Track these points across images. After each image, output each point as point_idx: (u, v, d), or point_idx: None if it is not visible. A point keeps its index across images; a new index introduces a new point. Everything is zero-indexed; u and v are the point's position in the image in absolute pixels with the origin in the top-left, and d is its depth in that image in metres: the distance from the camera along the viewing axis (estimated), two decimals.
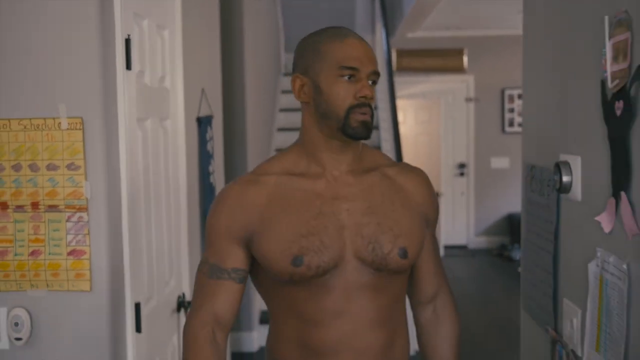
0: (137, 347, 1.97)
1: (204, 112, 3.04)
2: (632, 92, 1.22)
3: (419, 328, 1.68)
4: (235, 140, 4.75)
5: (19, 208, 1.83)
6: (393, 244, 1.45)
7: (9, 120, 1.82)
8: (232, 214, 1.47)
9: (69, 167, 1.83)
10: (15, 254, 1.84)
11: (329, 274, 1.42)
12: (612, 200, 1.32)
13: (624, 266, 1.27)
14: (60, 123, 1.82)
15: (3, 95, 1.82)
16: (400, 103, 8.34)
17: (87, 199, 1.83)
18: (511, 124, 8.53)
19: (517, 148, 7.73)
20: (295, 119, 6.58)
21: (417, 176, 1.59)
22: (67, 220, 1.83)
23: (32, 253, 1.84)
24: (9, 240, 1.84)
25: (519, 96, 8.13)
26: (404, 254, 1.46)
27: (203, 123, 2.99)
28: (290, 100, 6.99)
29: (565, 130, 1.61)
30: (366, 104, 1.43)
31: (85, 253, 1.84)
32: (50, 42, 1.82)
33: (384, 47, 6.74)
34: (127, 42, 1.92)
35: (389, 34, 7.05)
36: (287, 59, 7.95)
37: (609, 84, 1.31)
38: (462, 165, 8.78)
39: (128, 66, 1.92)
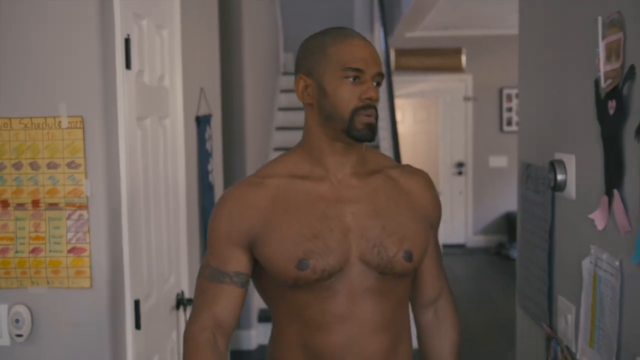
0: (137, 343, 1.99)
1: (202, 111, 3.06)
2: (625, 91, 1.24)
3: (419, 330, 1.66)
4: (234, 139, 4.76)
5: (20, 206, 1.85)
6: (398, 247, 1.43)
7: (9, 119, 1.83)
8: (235, 217, 1.45)
9: (69, 165, 1.84)
10: (16, 252, 1.85)
11: (333, 277, 1.40)
12: (605, 198, 1.34)
13: (617, 263, 1.29)
14: (60, 122, 1.84)
15: (4, 95, 1.84)
16: (398, 102, 8.35)
17: (87, 197, 1.85)
18: (509, 123, 8.55)
19: (515, 147, 7.72)
20: (294, 118, 6.60)
21: (421, 178, 1.57)
22: (68, 218, 1.85)
23: (33, 250, 1.85)
24: (10, 238, 1.86)
25: (517, 95, 8.14)
26: (409, 257, 1.44)
27: (202, 122, 3.00)
28: (288, 100, 7.01)
29: (560, 129, 1.63)
30: (371, 106, 1.41)
31: (85, 250, 1.85)
32: (51, 42, 1.84)
33: (383, 47, 6.76)
34: (127, 41, 1.93)
35: (387, 33, 7.06)
36: (285, 58, 7.96)
37: (602, 84, 1.33)
38: (460, 164, 8.80)
39: (128, 66, 1.94)
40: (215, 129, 3.41)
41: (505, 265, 7.61)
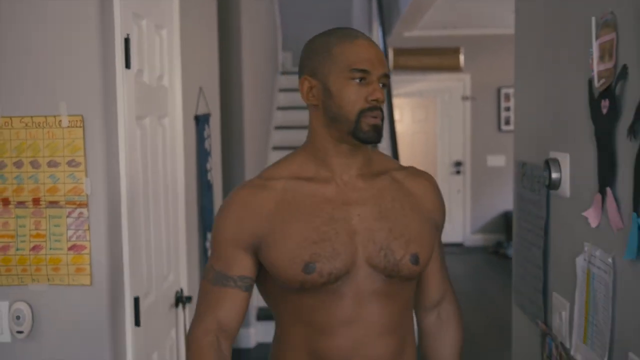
0: (136, 340, 2.00)
1: (201, 110, 3.08)
2: (617, 91, 1.26)
3: (421, 333, 1.65)
4: (233, 138, 4.78)
5: (21, 204, 1.87)
6: (405, 250, 1.41)
7: (10, 118, 1.85)
8: (239, 220, 1.43)
9: (69, 164, 1.86)
10: (17, 249, 1.87)
11: (340, 280, 1.38)
12: (599, 196, 1.36)
13: (610, 260, 1.31)
14: (61, 121, 1.85)
15: (5, 94, 1.85)
16: (397, 101, 8.38)
17: (87, 195, 1.87)
18: (507, 122, 8.57)
19: (512, 146, 7.76)
20: (293, 117, 6.62)
21: (425, 181, 1.56)
22: (68, 216, 1.87)
23: (34, 248, 1.87)
24: (11, 236, 1.87)
25: None
26: (415, 260, 1.42)
27: (201, 121, 3.02)
28: (287, 99, 7.02)
29: (555, 128, 1.65)
30: (377, 107, 1.39)
31: (85, 248, 1.87)
32: (51, 42, 1.85)
33: (381, 46, 6.77)
34: (127, 41, 1.95)
35: (385, 32, 7.08)
36: (284, 58, 7.99)
37: (596, 83, 1.35)
38: (458, 164, 8.82)
39: (127, 65, 1.96)
40: (214, 128, 3.42)
41: (503, 264, 7.63)
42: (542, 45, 1.74)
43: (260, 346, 4.77)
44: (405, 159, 6.44)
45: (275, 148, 6.29)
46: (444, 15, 7.16)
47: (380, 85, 1.41)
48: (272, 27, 7.23)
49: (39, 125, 1.85)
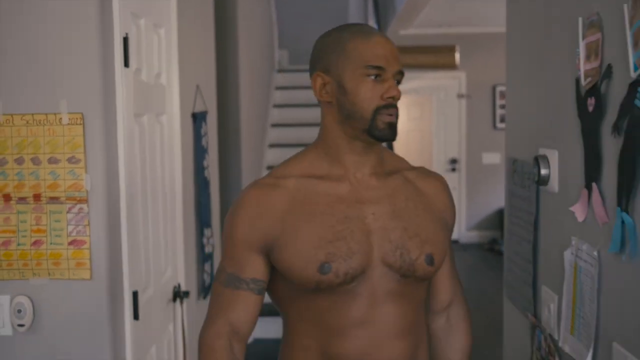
0: (135, 333, 2.04)
1: (198, 108, 3.11)
2: (603, 89, 1.30)
3: (430, 336, 1.61)
4: (230, 135, 4.81)
5: (22, 200, 1.90)
6: (420, 250, 1.39)
7: (12, 115, 1.89)
8: (252, 221, 1.39)
9: (69, 160, 1.89)
10: (18, 244, 1.91)
11: (355, 281, 1.35)
12: (585, 191, 1.40)
13: (595, 253, 1.35)
14: (61, 118, 1.89)
15: (6, 93, 1.89)
16: None
17: (87, 191, 1.90)
18: (502, 120, 8.60)
19: None
20: (289, 115, 6.65)
21: (436, 181, 1.54)
22: (68, 212, 1.90)
23: (34, 243, 1.91)
24: (12, 231, 1.91)
25: None
26: (430, 260, 1.40)
27: (198, 118, 3.05)
28: (283, 97, 7.06)
29: (544, 125, 1.69)
30: (393, 105, 1.36)
31: (85, 243, 1.91)
32: (51, 41, 1.89)
33: None
34: (125, 40, 1.98)
35: (381, 30, 7.10)
36: (280, 56, 8.01)
37: (582, 82, 1.39)
38: (453, 161, 8.86)
39: (126, 64, 1.99)
40: (211, 126, 3.46)
41: (498, 260, 7.67)
42: (532, 45, 1.78)
43: (258, 342, 4.80)
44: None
45: (272, 145, 6.32)
46: (440, 14, 7.20)
47: (395, 82, 1.39)
48: (269, 25, 7.26)
49: (40, 123, 1.89)
